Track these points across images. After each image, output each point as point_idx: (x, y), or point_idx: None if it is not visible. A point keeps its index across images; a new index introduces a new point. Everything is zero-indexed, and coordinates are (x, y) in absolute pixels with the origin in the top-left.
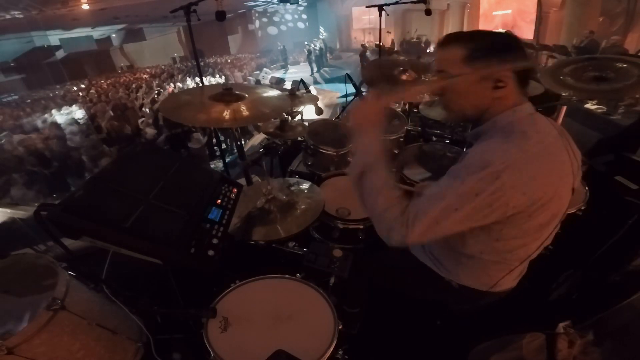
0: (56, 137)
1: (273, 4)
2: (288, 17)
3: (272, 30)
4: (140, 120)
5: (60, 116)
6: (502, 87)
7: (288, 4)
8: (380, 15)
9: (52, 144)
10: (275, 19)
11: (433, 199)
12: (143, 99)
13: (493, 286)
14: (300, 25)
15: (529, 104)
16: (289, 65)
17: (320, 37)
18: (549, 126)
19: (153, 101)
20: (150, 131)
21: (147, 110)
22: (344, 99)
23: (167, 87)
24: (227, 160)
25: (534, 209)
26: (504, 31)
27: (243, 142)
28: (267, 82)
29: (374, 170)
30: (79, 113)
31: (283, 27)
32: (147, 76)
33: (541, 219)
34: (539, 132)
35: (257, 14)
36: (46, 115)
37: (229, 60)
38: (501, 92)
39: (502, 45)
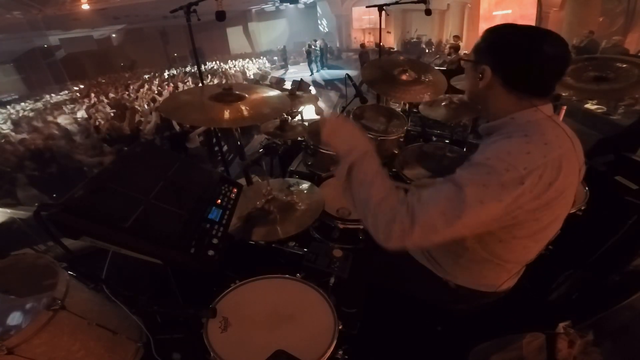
0: (56, 137)
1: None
2: None
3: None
4: (137, 120)
5: (60, 116)
6: (481, 78)
7: (288, 3)
8: (380, 15)
9: (52, 144)
10: None
11: (449, 198)
12: (143, 99)
13: (490, 287)
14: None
15: (549, 106)
16: (289, 65)
17: (323, 30)
18: (564, 130)
19: (154, 100)
20: (150, 131)
21: (146, 107)
22: (344, 99)
23: (168, 87)
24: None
25: (543, 211)
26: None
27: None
28: (267, 82)
29: (362, 162)
30: (79, 113)
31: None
32: (147, 76)
33: (546, 221)
34: (558, 137)
35: None
36: (46, 116)
37: (231, 68)
38: (482, 83)
39: (498, 43)
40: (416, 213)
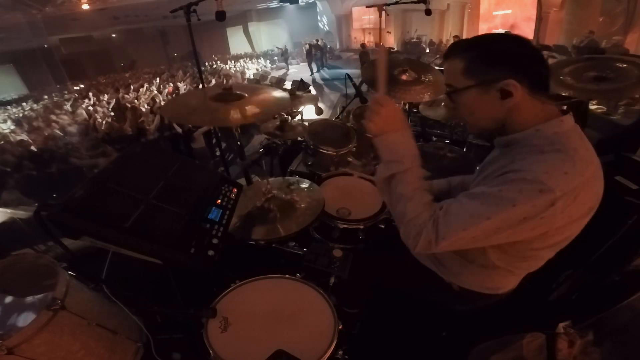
0: (56, 137)
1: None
2: None
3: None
4: (140, 120)
5: (60, 116)
6: (510, 96)
7: (288, 3)
8: (380, 15)
9: (52, 144)
10: None
11: (474, 215)
12: (143, 99)
13: (495, 289)
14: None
15: (569, 116)
16: (289, 66)
17: (323, 29)
18: (588, 141)
19: (154, 100)
20: (151, 131)
21: (146, 107)
22: (344, 99)
23: (168, 86)
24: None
25: (569, 226)
26: (504, 32)
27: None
28: (267, 82)
29: (405, 176)
30: (78, 113)
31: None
32: (147, 76)
33: (567, 233)
34: (587, 150)
35: None
36: (46, 115)
37: (231, 68)
38: (512, 101)
39: (502, 50)
40: (440, 229)
